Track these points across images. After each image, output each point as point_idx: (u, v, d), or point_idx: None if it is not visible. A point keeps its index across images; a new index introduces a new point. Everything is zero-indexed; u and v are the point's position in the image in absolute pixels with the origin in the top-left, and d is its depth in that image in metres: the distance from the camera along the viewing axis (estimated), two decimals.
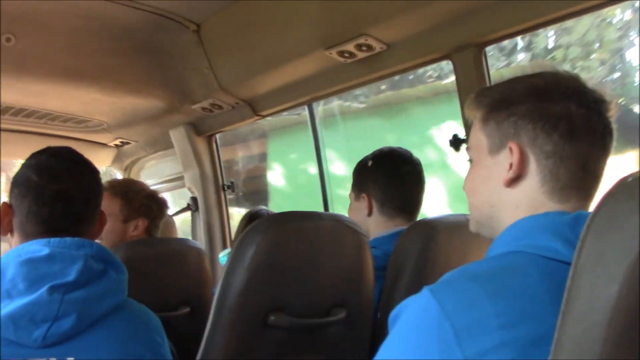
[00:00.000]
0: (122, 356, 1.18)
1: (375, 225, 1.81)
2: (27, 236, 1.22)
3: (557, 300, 0.73)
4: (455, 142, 1.88)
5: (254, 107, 2.57)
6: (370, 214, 1.82)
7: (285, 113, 2.67)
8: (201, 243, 2.85)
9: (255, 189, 7.21)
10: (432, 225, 1.52)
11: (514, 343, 0.77)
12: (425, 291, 0.85)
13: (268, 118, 2.70)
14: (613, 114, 0.94)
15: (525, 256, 0.85)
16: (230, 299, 1.27)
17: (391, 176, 1.79)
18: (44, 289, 1.11)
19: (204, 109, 2.63)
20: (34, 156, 1.28)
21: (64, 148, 1.31)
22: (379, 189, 1.80)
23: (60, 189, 1.23)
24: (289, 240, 1.31)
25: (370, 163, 1.84)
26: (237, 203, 6.09)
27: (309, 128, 2.78)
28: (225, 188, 2.97)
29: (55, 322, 1.10)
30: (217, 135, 2.95)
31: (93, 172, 1.31)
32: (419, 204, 1.80)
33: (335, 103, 6.16)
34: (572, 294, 0.71)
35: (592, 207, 0.82)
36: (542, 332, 0.76)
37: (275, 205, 6.65)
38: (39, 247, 1.16)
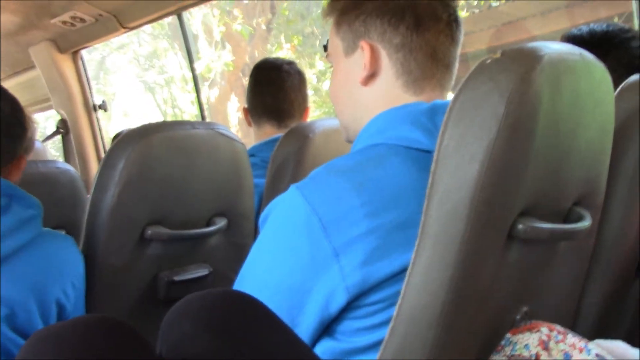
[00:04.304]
0: (28, 299, 1.10)
1: (255, 136, 1.84)
2: None
3: (418, 186, 0.76)
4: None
5: (120, 19, 2.42)
6: (249, 124, 1.85)
7: None
8: (74, 166, 2.72)
9: None
10: (308, 129, 1.52)
11: (378, 230, 0.79)
12: (292, 189, 0.86)
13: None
14: (457, 3, 0.96)
15: (387, 147, 0.87)
16: (103, 215, 1.22)
17: (257, 84, 1.81)
18: None
19: (64, 22, 2.44)
20: None
21: None
22: (249, 99, 1.83)
23: None
24: (161, 151, 1.26)
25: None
26: None
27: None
28: (97, 108, 2.82)
29: None
30: (83, 52, 2.77)
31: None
32: (286, 111, 1.79)
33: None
34: (437, 176, 0.73)
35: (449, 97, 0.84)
36: (405, 217, 0.79)
37: None
38: None
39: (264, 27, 6.82)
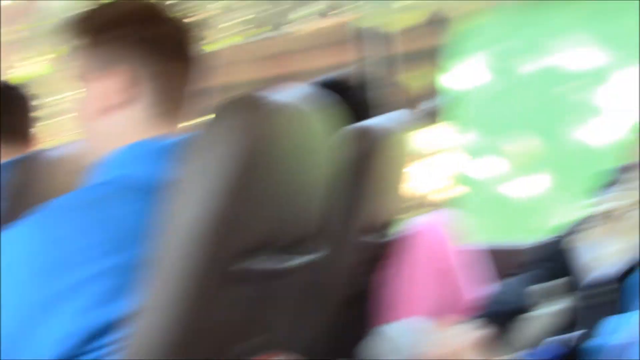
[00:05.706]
0: None
1: None
2: None
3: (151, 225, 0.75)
4: None
5: None
6: None
7: None
8: None
9: None
10: (34, 158, 1.41)
11: (111, 271, 0.78)
12: (22, 223, 0.81)
13: None
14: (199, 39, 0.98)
15: (127, 183, 0.85)
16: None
17: None
18: None
19: None
20: None
21: None
22: None
23: None
24: None
25: None
26: None
27: None
28: None
29: None
30: None
31: None
32: (19, 133, 1.66)
33: None
34: (164, 214, 0.75)
35: None
36: (140, 258, 0.78)
37: None
38: None
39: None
